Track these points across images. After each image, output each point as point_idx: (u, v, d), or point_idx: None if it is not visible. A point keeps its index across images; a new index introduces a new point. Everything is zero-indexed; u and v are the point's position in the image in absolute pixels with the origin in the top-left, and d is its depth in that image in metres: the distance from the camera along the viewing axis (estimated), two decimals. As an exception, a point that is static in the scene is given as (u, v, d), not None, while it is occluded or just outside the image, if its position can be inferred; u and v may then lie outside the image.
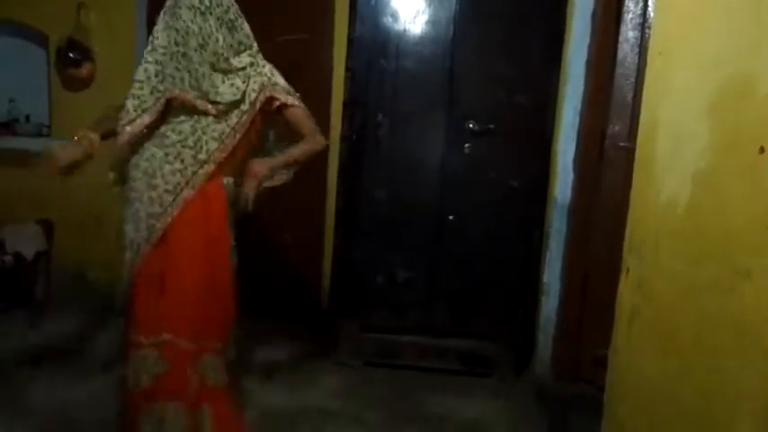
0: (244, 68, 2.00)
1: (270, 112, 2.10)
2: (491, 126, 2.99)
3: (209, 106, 1.94)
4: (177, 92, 1.93)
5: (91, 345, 3.03)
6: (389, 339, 3.11)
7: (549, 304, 2.98)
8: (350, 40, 3.08)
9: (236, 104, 1.98)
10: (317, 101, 3.36)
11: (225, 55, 1.94)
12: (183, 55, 1.91)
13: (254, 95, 2.02)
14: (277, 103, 2.08)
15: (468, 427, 2.57)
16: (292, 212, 3.47)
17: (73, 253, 3.55)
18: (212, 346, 1.98)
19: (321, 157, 2.38)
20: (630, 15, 2.69)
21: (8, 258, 3.20)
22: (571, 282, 2.90)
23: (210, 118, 1.97)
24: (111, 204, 3.57)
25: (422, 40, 3.01)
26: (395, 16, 3.01)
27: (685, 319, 1.32)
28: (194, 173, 1.97)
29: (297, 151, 2.18)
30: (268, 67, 2.08)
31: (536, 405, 2.78)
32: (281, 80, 2.10)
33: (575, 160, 2.86)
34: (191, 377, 1.92)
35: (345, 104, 3.14)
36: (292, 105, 2.11)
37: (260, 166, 2.11)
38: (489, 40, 3.01)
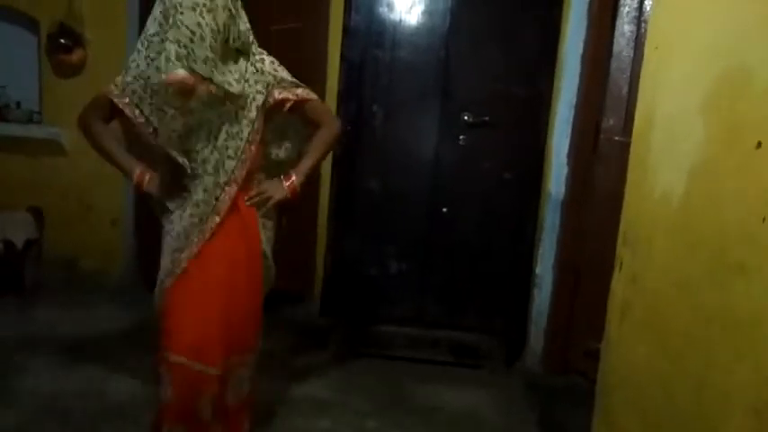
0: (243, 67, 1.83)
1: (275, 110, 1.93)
2: (486, 118, 2.99)
3: (212, 87, 1.72)
4: (181, 73, 1.67)
5: (81, 333, 3.01)
6: (381, 330, 3.11)
7: (541, 297, 2.99)
8: (345, 30, 3.07)
9: (240, 104, 1.81)
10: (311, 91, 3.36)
11: (233, 40, 1.77)
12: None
13: (260, 99, 1.84)
14: (289, 104, 1.92)
15: (459, 418, 2.58)
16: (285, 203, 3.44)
17: (64, 241, 3.52)
18: (240, 362, 1.96)
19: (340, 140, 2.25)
20: (627, 9, 2.69)
21: (-2, 246, 3.17)
22: (563, 275, 2.92)
23: (223, 135, 1.81)
24: (103, 192, 3.58)
25: (417, 30, 3.00)
26: (390, 6, 2.99)
27: (678, 313, 1.33)
28: (217, 198, 1.85)
29: (323, 146, 2.04)
30: (268, 62, 1.89)
31: (526, 396, 2.79)
32: (285, 74, 1.92)
33: (569, 154, 2.86)
34: (204, 405, 1.85)
35: (340, 95, 3.13)
36: (307, 99, 1.95)
37: (294, 177, 2.00)
38: (485, 32, 3.00)
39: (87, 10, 3.45)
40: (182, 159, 1.81)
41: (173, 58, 1.64)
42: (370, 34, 3.00)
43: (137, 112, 1.80)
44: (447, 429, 2.48)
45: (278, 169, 2.04)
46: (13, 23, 3.59)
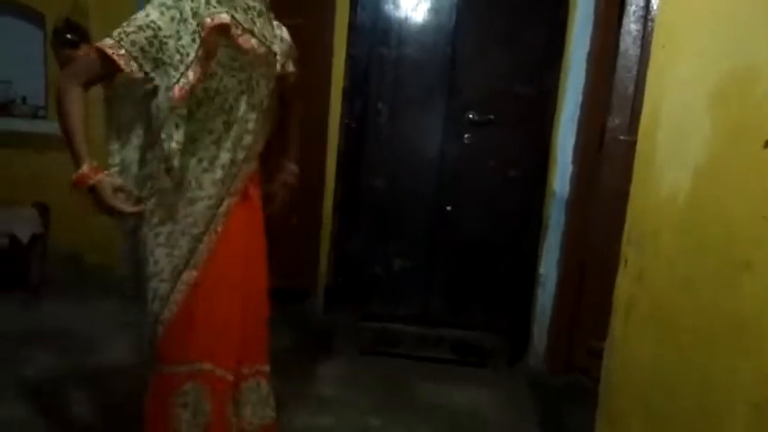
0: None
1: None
2: (491, 116, 2.99)
3: (254, 41, 1.57)
4: (224, 17, 1.49)
5: (86, 327, 3.02)
6: (386, 328, 3.11)
7: (545, 295, 2.99)
8: (350, 27, 3.07)
9: (269, 70, 1.66)
10: (316, 88, 3.36)
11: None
12: None
13: (279, 67, 1.70)
14: (293, 77, 1.83)
15: (462, 416, 2.58)
16: (290, 201, 3.45)
17: (69, 236, 3.53)
18: (258, 371, 1.77)
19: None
20: (633, 8, 2.68)
21: (3, 241, 3.18)
22: (567, 273, 2.91)
23: (243, 106, 1.62)
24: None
25: (423, 28, 2.99)
26: (396, 3, 2.99)
27: (683, 311, 1.32)
28: (235, 176, 1.65)
29: (297, 128, 1.98)
30: (285, 31, 1.78)
31: (529, 395, 2.79)
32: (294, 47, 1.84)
33: (574, 152, 2.86)
34: (230, 414, 1.69)
35: (345, 92, 3.13)
36: (294, 74, 1.86)
37: (291, 175, 1.95)
38: (491, 30, 2.99)
39: (93, 4, 3.46)
40: (179, 133, 1.56)
41: (214, 2, 1.50)
42: (376, 31, 3.00)
43: (134, 65, 1.52)
44: (450, 427, 2.48)
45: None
46: (19, 18, 3.60)
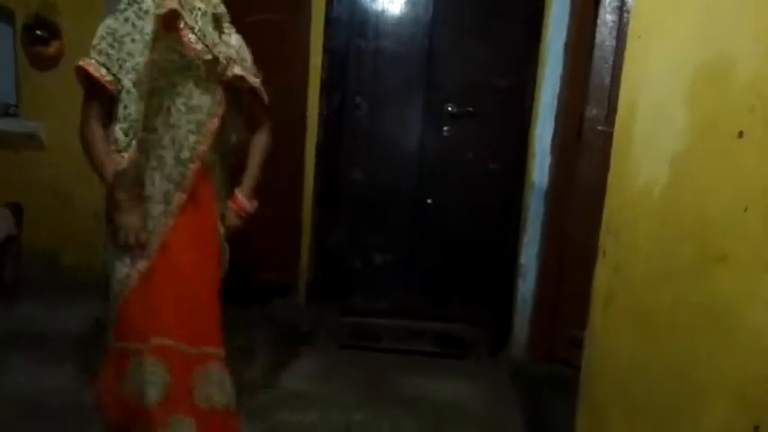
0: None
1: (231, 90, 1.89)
2: (470, 109, 2.99)
3: (192, 37, 1.71)
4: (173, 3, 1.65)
5: (61, 329, 2.97)
6: (367, 322, 3.11)
7: (526, 286, 3.00)
8: (327, 20, 3.04)
9: (202, 72, 1.77)
10: (294, 82, 3.33)
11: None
12: None
13: (221, 70, 1.82)
14: (246, 86, 1.91)
15: (445, 408, 2.59)
16: (269, 196, 3.42)
17: (44, 236, 3.47)
18: (215, 354, 1.86)
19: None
20: (608, -1, 2.69)
21: (-24, 242, 3.12)
22: (548, 264, 2.93)
23: (183, 109, 1.76)
24: (84, 186, 3.52)
25: (400, 20, 2.98)
26: (373, -4, 2.97)
27: (661, 302, 1.33)
28: (181, 174, 1.79)
29: (264, 155, 2.04)
30: (236, 38, 1.89)
31: (511, 385, 2.81)
32: (249, 57, 1.92)
33: (552, 143, 2.87)
34: (194, 390, 1.81)
35: (323, 86, 3.10)
36: (259, 93, 1.95)
37: (246, 202, 2.02)
38: (468, 22, 2.99)
39: (63, 0, 3.39)
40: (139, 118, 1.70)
41: None
42: (353, 24, 2.98)
43: (103, 70, 1.69)
44: (433, 420, 2.49)
45: (226, 158, 2.01)
46: (-13, 15, 3.51)
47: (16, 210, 3.37)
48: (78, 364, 2.63)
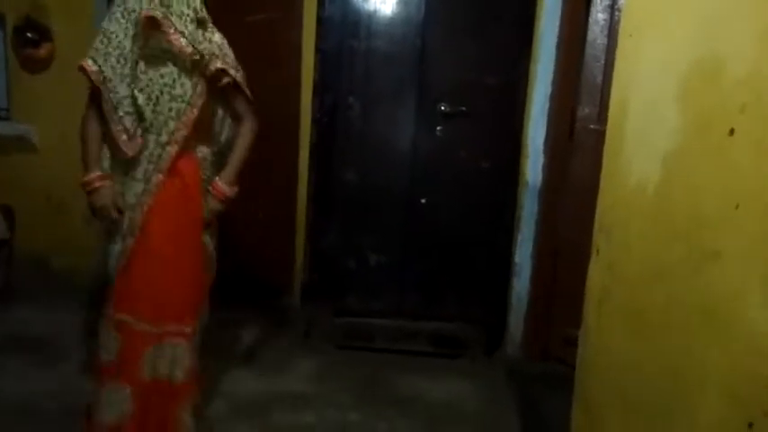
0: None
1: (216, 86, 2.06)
2: (462, 108, 2.98)
3: (176, 35, 1.89)
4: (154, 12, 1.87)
5: (55, 333, 2.95)
6: (362, 323, 3.11)
7: (520, 285, 3.01)
8: (319, 20, 3.03)
9: (186, 64, 1.95)
10: (286, 83, 3.33)
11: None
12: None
13: (203, 64, 1.98)
14: (227, 79, 2.04)
15: (441, 407, 2.59)
16: (263, 197, 3.43)
17: (35, 240, 3.45)
18: (178, 331, 2.00)
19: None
20: (600, -3, 2.70)
21: (-33, 246, 3.10)
22: (542, 263, 2.94)
23: (167, 97, 1.94)
24: (75, 190, 3.50)
25: (392, 20, 2.98)
26: (365, -5, 2.96)
27: (654, 300, 1.34)
28: (159, 156, 1.96)
29: (246, 145, 2.15)
30: (218, 36, 2.04)
31: (507, 384, 2.81)
32: (230, 53, 2.06)
33: (545, 142, 2.88)
34: (143, 364, 1.97)
35: (316, 86, 3.10)
36: (242, 87, 2.09)
37: (226, 187, 2.12)
38: (460, 21, 2.99)
39: (53, 2, 3.37)
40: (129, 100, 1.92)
41: (156, 2, 1.88)
42: (345, 24, 2.97)
43: (89, 62, 1.92)
44: (429, 419, 2.49)
45: (219, 156, 2.18)
46: (-24, 17, 3.49)
47: (8, 213, 3.36)
48: (72, 367, 2.62)
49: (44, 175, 3.43)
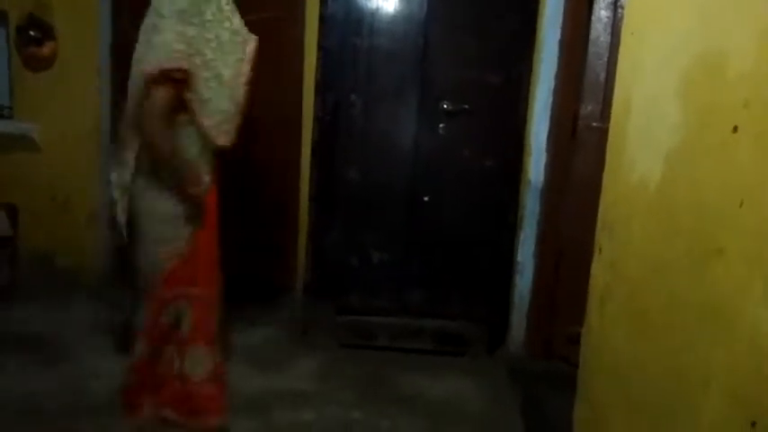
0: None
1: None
2: (465, 106, 2.98)
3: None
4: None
5: (59, 331, 2.96)
6: (364, 321, 3.11)
7: (523, 283, 3.00)
8: (322, 19, 3.03)
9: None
10: (288, 81, 3.33)
11: None
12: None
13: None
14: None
15: (443, 406, 2.59)
16: (265, 195, 3.43)
17: (39, 238, 3.46)
18: (184, 293, 2.05)
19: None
20: (603, -5, 2.69)
21: (-29, 244, 3.10)
22: (544, 261, 2.93)
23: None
24: (78, 188, 3.52)
25: (395, 18, 2.97)
26: (367, -7, 2.96)
27: (657, 298, 1.33)
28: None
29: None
30: (163, 34, 2.03)
31: (509, 382, 2.81)
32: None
33: (548, 140, 2.87)
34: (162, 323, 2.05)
35: (318, 84, 3.09)
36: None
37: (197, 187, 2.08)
38: (463, 19, 2.98)
39: (56, 0, 3.37)
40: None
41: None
42: (348, 22, 2.97)
43: (191, 56, 1.89)
44: (432, 417, 2.49)
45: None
46: (-21, 15, 3.49)
47: (11, 211, 3.36)
48: (72, 367, 2.62)
49: (47, 174, 3.44)
